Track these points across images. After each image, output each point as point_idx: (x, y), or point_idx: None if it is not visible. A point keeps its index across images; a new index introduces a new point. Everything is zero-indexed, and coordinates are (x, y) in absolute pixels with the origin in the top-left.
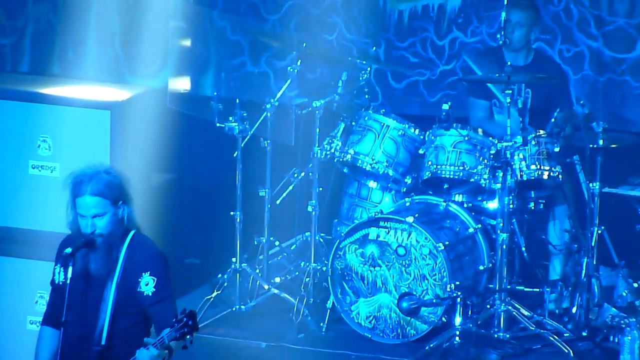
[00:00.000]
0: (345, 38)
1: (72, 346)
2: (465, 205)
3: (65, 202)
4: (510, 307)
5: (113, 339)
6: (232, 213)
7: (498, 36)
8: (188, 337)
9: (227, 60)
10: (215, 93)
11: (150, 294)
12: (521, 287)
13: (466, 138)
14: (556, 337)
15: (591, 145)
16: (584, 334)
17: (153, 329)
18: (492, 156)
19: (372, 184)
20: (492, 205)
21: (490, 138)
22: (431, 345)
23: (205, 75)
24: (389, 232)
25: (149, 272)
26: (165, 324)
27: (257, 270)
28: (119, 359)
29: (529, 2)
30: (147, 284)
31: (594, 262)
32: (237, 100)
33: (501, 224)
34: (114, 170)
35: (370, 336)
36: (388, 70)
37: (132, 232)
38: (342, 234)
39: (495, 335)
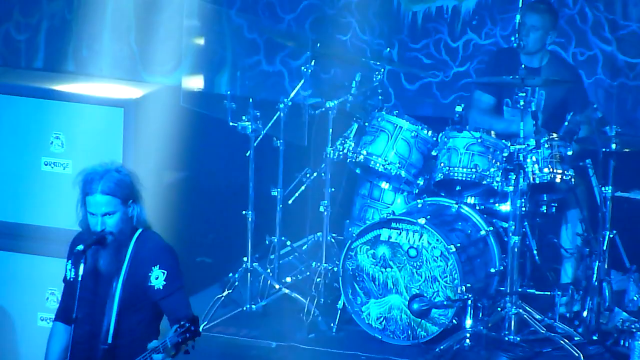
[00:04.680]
0: (359, 39)
1: (82, 344)
2: (477, 208)
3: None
4: (521, 310)
5: (120, 337)
6: (244, 212)
7: (512, 39)
8: (190, 342)
9: (243, 58)
10: (228, 92)
11: (161, 287)
12: (532, 290)
13: (479, 140)
14: (567, 341)
15: (604, 149)
16: (595, 337)
17: (162, 327)
18: (504, 159)
19: (384, 185)
20: (504, 207)
21: (503, 141)
22: (441, 347)
23: (220, 74)
24: (400, 233)
25: (158, 266)
26: (178, 317)
27: (268, 270)
28: (126, 358)
29: (545, 5)
30: (157, 278)
31: (606, 266)
32: (251, 100)
33: (513, 227)
34: (125, 169)
35: (380, 337)
36: (401, 71)
37: (139, 230)
38: (354, 235)
39: (506, 338)
